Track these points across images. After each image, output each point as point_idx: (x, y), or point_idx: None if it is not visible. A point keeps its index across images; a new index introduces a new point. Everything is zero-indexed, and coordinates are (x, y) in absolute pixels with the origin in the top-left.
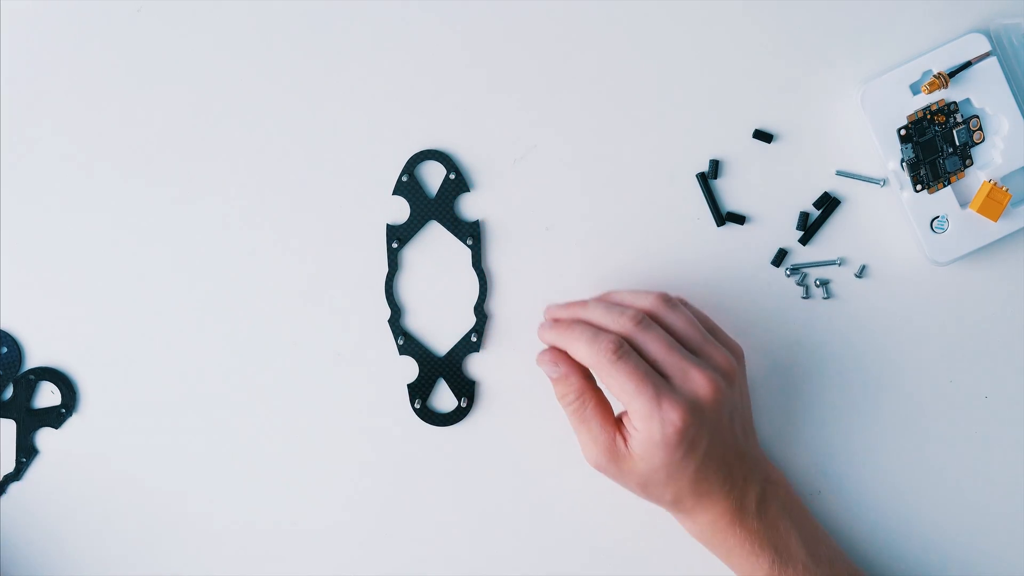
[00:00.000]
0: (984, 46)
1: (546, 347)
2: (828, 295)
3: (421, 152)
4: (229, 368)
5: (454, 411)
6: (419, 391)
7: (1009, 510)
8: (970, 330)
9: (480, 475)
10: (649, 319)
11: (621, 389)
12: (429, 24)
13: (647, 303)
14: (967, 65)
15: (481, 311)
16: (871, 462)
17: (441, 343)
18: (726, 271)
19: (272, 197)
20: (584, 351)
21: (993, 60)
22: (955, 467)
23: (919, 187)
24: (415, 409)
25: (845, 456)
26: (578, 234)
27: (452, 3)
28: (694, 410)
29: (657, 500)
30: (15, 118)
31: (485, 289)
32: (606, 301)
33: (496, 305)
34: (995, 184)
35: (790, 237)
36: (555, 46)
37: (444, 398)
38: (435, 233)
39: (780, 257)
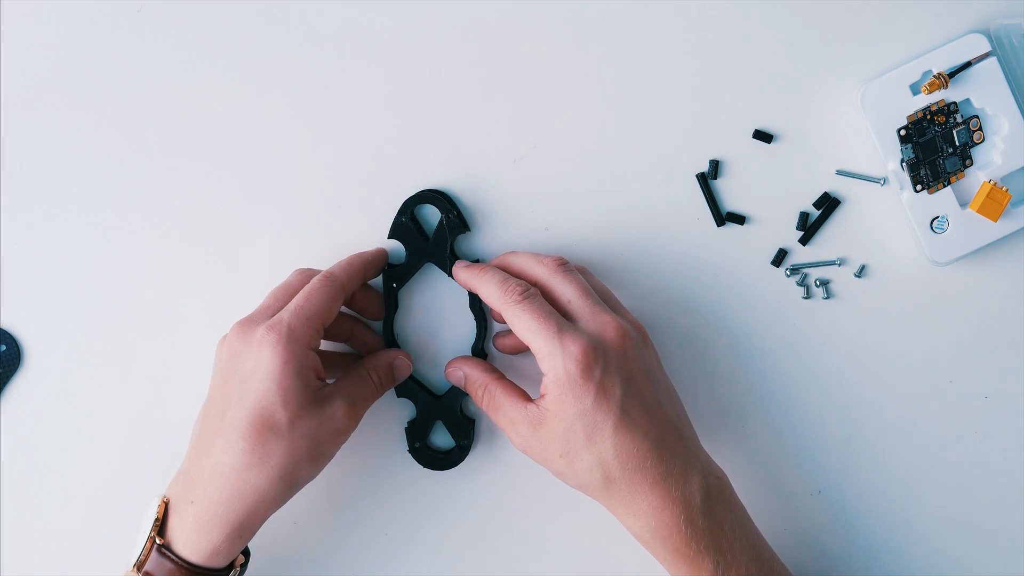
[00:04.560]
0: (984, 46)
1: (451, 362)
2: (828, 295)
3: (417, 194)
4: None
5: (452, 453)
6: (417, 433)
7: (1009, 510)
8: (970, 330)
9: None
10: (572, 266)
11: (525, 328)
12: (431, 18)
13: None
14: (967, 65)
15: (480, 352)
16: (871, 462)
17: (439, 385)
18: (726, 271)
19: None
20: (493, 293)
21: (993, 60)
22: (955, 467)
23: (919, 187)
24: (412, 450)
25: (845, 456)
26: (578, 234)
27: (456, 1)
28: (596, 346)
29: (587, 480)
30: (15, 118)
31: (484, 331)
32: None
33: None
34: (995, 184)
35: (790, 237)
36: (555, 46)
37: (442, 440)
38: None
39: (780, 257)
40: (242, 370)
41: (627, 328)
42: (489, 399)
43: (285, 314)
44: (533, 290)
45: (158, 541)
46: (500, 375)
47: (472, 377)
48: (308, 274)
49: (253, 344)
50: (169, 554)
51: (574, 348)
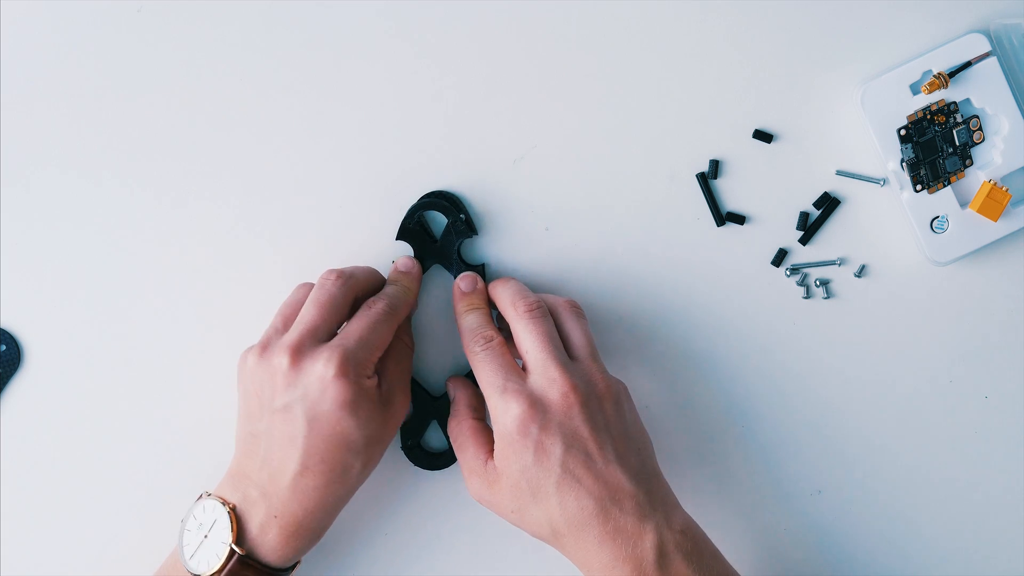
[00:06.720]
0: (984, 46)
1: (452, 378)
2: (828, 295)
3: (425, 201)
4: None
5: (445, 454)
6: (411, 431)
7: (1009, 510)
8: (970, 330)
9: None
10: (546, 312)
11: (480, 379)
12: (430, 20)
13: (557, 301)
14: (967, 65)
15: None
16: (871, 462)
17: (437, 386)
18: (726, 271)
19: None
20: (465, 336)
21: (993, 60)
22: (955, 467)
23: (919, 187)
24: (405, 447)
25: (845, 456)
26: (577, 234)
27: (456, 1)
28: (536, 405)
29: (539, 533)
30: (15, 118)
31: None
32: (523, 287)
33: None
34: (995, 184)
35: (790, 237)
36: (555, 46)
37: (436, 441)
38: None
39: (780, 257)
40: (307, 399)
41: (574, 384)
42: (458, 433)
43: (350, 342)
44: (496, 340)
45: (239, 552)
46: (480, 415)
47: (455, 406)
48: (346, 283)
49: (315, 373)
50: (252, 563)
51: (513, 405)
